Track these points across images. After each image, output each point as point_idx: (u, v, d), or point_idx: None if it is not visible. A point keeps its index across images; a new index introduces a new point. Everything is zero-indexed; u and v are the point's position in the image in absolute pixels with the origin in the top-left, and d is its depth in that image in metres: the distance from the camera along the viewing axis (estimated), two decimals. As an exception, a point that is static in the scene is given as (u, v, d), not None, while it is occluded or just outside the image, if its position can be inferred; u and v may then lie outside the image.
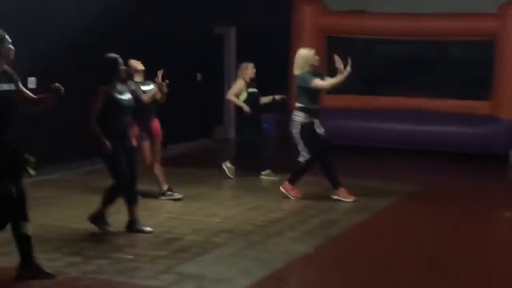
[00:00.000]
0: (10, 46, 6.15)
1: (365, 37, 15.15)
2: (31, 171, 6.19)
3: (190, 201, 9.61)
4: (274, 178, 11.18)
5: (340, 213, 9.13)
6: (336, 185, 9.88)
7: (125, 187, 7.84)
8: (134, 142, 8.61)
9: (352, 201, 9.72)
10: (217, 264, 6.86)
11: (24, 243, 6.27)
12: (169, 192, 9.70)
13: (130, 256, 6.97)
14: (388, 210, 9.47)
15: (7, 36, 6.13)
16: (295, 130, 9.75)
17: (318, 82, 9.67)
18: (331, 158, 9.92)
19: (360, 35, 15.06)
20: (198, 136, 15.11)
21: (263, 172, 11.42)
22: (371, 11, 15.31)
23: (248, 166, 11.54)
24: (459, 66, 15.03)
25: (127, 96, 7.95)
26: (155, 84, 9.26)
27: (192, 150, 14.48)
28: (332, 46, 14.84)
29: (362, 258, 7.26)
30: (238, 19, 15.96)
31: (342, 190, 9.84)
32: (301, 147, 9.77)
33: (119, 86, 7.90)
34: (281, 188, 9.94)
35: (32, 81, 10.76)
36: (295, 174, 9.93)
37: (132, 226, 7.90)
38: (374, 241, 7.98)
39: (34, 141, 10.75)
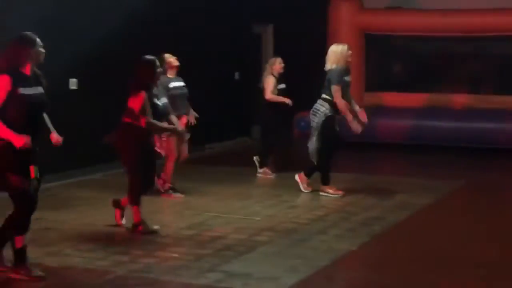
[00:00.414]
0: (41, 49, 6.17)
1: (403, 34, 15.06)
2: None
3: (230, 200, 9.64)
4: (270, 175, 11.30)
5: (383, 211, 9.08)
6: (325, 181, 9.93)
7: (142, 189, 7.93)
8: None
9: (341, 196, 9.77)
10: (262, 262, 6.86)
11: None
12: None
13: (175, 255, 7.00)
14: (432, 207, 9.40)
15: (38, 40, 6.15)
16: (317, 120, 9.71)
17: (336, 92, 9.62)
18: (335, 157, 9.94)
19: (397, 32, 14.98)
20: (236, 135, 15.15)
21: (260, 170, 11.43)
22: (408, 7, 15.26)
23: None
24: (499, 61, 14.90)
25: (162, 101, 8.00)
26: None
27: (230, 149, 14.52)
28: (370, 43, 14.85)
29: (408, 256, 7.22)
30: (276, 17, 15.97)
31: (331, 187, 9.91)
32: (313, 138, 9.76)
33: (155, 90, 7.93)
34: (320, 193, 9.91)
35: (73, 82, 10.89)
36: (322, 176, 9.90)
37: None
38: (418, 239, 7.93)
39: (76, 141, 10.91)
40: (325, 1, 15.45)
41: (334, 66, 9.73)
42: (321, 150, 9.73)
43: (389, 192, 10.17)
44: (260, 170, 11.42)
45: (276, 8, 15.78)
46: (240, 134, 15.31)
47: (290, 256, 7.03)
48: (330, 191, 9.83)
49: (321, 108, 9.71)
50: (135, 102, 7.66)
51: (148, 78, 7.77)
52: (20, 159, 5.99)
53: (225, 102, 14.46)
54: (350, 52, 9.88)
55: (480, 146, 13.78)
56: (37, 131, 6.16)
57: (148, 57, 7.92)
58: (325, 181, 9.90)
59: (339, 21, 14.78)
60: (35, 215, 6.26)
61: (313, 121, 9.77)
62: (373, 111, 14.10)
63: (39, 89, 6.14)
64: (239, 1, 14.72)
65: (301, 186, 9.99)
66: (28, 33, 6.18)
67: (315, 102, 9.85)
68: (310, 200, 9.65)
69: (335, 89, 9.62)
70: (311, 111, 9.81)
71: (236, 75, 15.17)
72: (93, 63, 11.10)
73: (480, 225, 8.52)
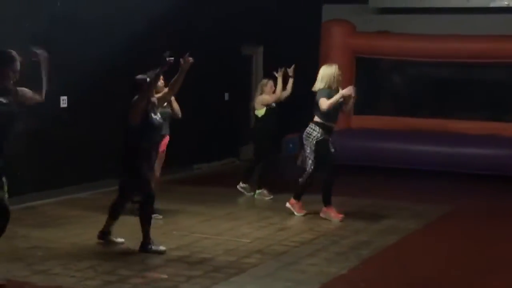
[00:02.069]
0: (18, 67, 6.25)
1: (394, 58, 15.11)
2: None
3: (219, 221, 9.59)
4: (267, 197, 11.25)
5: (372, 235, 9.06)
6: (327, 203, 9.89)
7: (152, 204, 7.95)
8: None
9: (339, 220, 9.68)
10: (251, 284, 6.82)
11: None
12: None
13: (164, 276, 6.95)
14: (420, 232, 9.40)
15: (18, 57, 6.20)
16: (309, 144, 9.69)
17: (322, 102, 9.58)
18: (336, 177, 9.91)
19: (388, 56, 15.03)
20: (224, 155, 15.11)
21: (257, 191, 11.39)
22: (399, 32, 15.35)
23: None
24: (488, 87, 14.99)
25: (158, 115, 8.01)
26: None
27: (219, 170, 14.48)
28: (361, 66, 14.91)
29: (396, 280, 7.21)
30: (266, 39, 15.99)
31: (331, 209, 9.86)
32: (309, 161, 9.73)
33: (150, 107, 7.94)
34: (287, 204, 9.95)
35: (63, 100, 10.87)
36: (299, 189, 9.90)
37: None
38: (406, 263, 7.92)
39: (63, 160, 10.86)
40: (317, 24, 15.50)
41: (322, 86, 9.72)
42: (314, 173, 9.70)
43: (377, 216, 10.15)
44: (258, 191, 11.39)
45: (267, 30, 15.81)
46: (228, 155, 15.26)
47: (279, 279, 6.99)
48: (296, 208, 9.87)
49: (313, 132, 9.70)
50: (132, 112, 7.75)
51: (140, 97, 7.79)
52: None
53: (214, 122, 14.44)
54: (340, 72, 9.87)
55: (469, 172, 13.77)
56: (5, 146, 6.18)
57: (140, 76, 7.94)
58: (297, 197, 9.93)
59: (331, 44, 14.81)
60: (21, 233, 6.23)
61: (306, 145, 9.76)
62: (362, 134, 14.15)
63: (7, 99, 6.16)
64: (229, 22, 14.72)
65: (294, 211, 9.94)
66: (7, 50, 6.23)
67: (304, 124, 9.87)
68: (299, 223, 9.62)
69: (322, 101, 9.57)
70: (304, 135, 9.80)
71: (226, 96, 15.15)
72: (85, 82, 11.05)
73: (467, 251, 8.52)
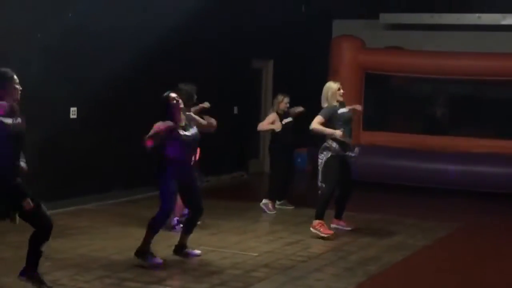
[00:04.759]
0: (17, 86, 6.19)
1: (403, 75, 15.08)
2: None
3: (227, 235, 9.58)
4: (289, 207, 11.49)
5: (379, 250, 9.02)
6: (337, 215, 10.11)
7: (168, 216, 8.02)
8: None
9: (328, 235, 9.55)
10: (258, 299, 6.82)
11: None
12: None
13: (171, 289, 6.95)
14: (429, 248, 9.36)
15: (15, 76, 6.18)
16: (322, 158, 9.59)
17: (315, 120, 9.53)
18: (351, 192, 10.00)
19: (397, 72, 14.99)
20: (233, 169, 15.11)
21: (278, 202, 11.50)
22: (409, 48, 15.36)
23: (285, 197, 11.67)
24: (497, 105, 14.95)
25: (191, 132, 7.98)
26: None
27: (227, 183, 14.47)
28: (370, 82, 14.89)
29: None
30: (277, 53, 16.02)
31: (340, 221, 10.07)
32: (318, 176, 9.68)
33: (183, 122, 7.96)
34: (311, 228, 9.65)
35: (73, 111, 10.90)
36: (319, 208, 9.68)
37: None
38: (414, 280, 7.89)
39: (71, 170, 10.89)
40: (326, 39, 15.51)
41: (326, 105, 9.69)
42: (324, 188, 9.63)
43: (385, 232, 10.13)
44: (278, 202, 11.53)
45: (277, 44, 15.83)
46: (237, 168, 15.26)
47: (287, 294, 6.98)
48: (321, 230, 9.60)
49: (329, 147, 9.56)
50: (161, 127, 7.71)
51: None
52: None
53: (223, 136, 14.42)
54: (341, 91, 9.72)
55: (478, 190, 13.69)
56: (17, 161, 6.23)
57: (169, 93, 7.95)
58: (319, 217, 9.73)
59: (340, 59, 14.79)
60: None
61: (320, 158, 9.69)
62: (371, 151, 14.10)
63: (17, 120, 6.15)
64: (240, 36, 14.75)
65: (319, 233, 9.67)
66: (6, 69, 6.20)
67: (312, 138, 9.85)
68: (306, 237, 9.56)
69: (316, 118, 9.54)
70: (320, 149, 9.74)
71: (235, 110, 15.16)
72: (94, 94, 11.09)
73: (477, 268, 8.48)
